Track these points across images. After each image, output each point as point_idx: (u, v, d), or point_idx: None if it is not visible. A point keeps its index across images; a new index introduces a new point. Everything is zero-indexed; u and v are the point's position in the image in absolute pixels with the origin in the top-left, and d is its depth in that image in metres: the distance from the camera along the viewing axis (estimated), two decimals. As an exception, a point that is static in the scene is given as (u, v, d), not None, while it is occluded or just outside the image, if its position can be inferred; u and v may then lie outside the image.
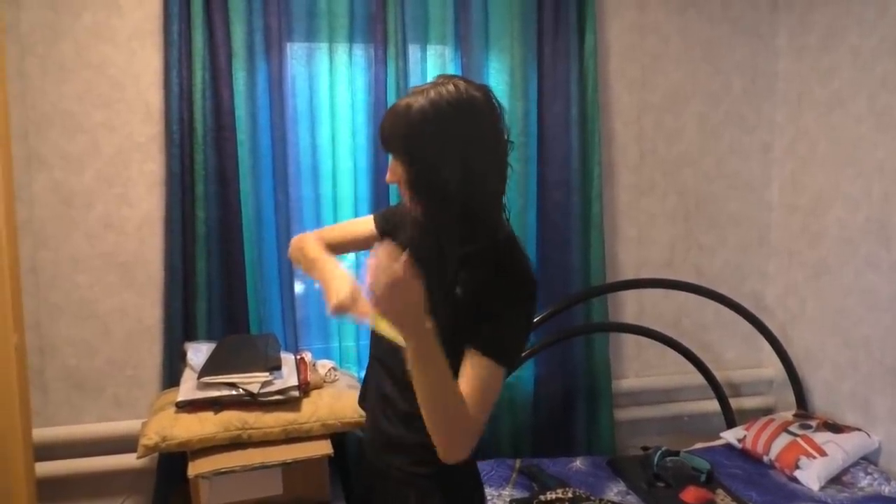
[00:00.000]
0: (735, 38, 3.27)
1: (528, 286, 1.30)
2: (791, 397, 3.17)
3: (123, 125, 2.68)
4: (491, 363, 1.22)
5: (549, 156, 2.98)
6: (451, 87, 1.26)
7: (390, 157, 1.33)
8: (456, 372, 1.24)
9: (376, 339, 1.44)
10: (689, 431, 3.29)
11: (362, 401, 1.59)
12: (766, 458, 2.79)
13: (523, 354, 2.88)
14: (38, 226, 2.63)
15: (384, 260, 1.08)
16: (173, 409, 2.30)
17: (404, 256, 1.07)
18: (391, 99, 2.78)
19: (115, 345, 2.74)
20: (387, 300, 1.08)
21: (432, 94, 1.25)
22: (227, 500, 2.21)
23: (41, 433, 2.58)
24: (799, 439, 2.75)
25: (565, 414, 3.11)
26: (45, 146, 2.62)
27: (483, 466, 2.55)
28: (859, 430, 2.81)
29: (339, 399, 2.40)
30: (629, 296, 3.26)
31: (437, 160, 1.24)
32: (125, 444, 2.64)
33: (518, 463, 2.74)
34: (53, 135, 2.62)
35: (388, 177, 1.35)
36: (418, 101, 1.25)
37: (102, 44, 2.63)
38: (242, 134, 2.66)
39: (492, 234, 1.32)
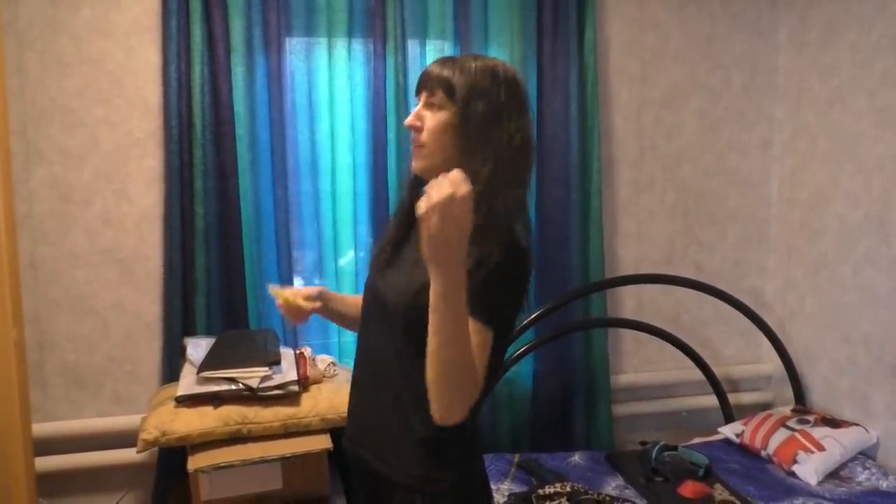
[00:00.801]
0: (735, 34, 3.27)
1: (515, 251, 1.25)
2: (789, 393, 3.17)
3: (122, 121, 2.68)
4: (478, 325, 1.18)
5: (549, 152, 2.98)
6: (502, 61, 1.34)
7: (420, 101, 1.33)
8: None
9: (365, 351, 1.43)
10: (687, 426, 3.30)
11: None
12: (763, 453, 2.80)
13: (523, 350, 2.89)
14: (37, 221, 2.64)
15: (454, 176, 1.06)
16: (173, 403, 2.30)
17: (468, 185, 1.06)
18: (390, 94, 2.78)
19: (114, 340, 2.74)
20: (442, 217, 1.03)
21: (491, 61, 1.32)
22: (226, 495, 2.22)
23: (41, 428, 2.58)
24: (797, 434, 2.75)
25: (564, 409, 3.11)
26: (44, 142, 2.62)
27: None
28: (857, 425, 2.82)
29: (338, 394, 2.40)
30: (628, 291, 3.26)
31: (492, 117, 1.27)
32: (125, 438, 2.65)
33: (517, 457, 2.74)
34: (52, 130, 2.62)
35: (409, 119, 1.34)
36: (484, 61, 1.31)
37: (101, 39, 2.63)
38: (241, 129, 2.66)
39: (500, 217, 1.27)
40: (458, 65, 1.31)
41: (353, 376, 1.48)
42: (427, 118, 1.32)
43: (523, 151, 1.31)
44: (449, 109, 1.30)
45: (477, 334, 1.18)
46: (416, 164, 1.35)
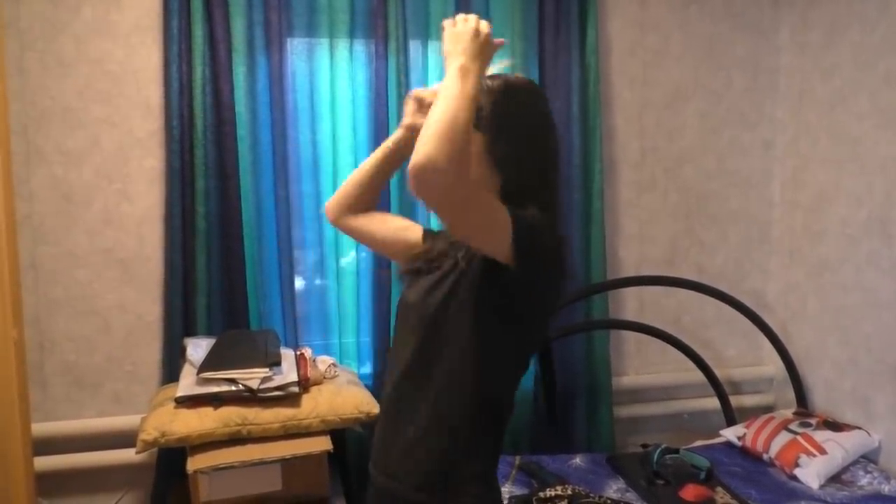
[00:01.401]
0: (737, 34, 3.26)
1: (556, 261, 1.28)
2: (791, 395, 3.16)
3: (123, 121, 2.67)
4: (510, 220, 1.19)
5: (550, 152, 2.97)
6: (514, 75, 1.34)
7: None
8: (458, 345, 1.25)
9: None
10: (688, 429, 3.29)
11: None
12: (765, 456, 2.79)
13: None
14: (37, 221, 2.63)
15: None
16: (172, 404, 2.30)
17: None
18: (392, 95, 2.77)
19: (114, 340, 2.74)
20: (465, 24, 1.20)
21: (499, 78, 1.31)
22: (226, 496, 2.21)
23: (40, 428, 2.58)
24: (799, 437, 2.74)
25: (565, 411, 3.11)
26: (45, 142, 2.61)
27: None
28: (859, 428, 2.81)
29: (338, 395, 2.40)
30: (630, 293, 3.25)
31: (519, 131, 1.28)
32: (124, 439, 2.64)
33: (518, 460, 2.74)
34: (53, 130, 2.62)
35: None
36: (492, 81, 1.30)
37: (102, 39, 2.63)
38: (243, 129, 2.66)
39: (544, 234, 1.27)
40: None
41: (381, 399, 1.46)
42: None
43: (554, 160, 1.34)
44: (476, 137, 1.26)
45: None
46: None
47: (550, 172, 1.33)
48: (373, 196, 1.58)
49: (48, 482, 2.65)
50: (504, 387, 1.36)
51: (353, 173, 1.57)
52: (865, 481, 2.62)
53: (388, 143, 1.51)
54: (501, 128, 1.27)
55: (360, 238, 1.63)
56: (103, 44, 2.63)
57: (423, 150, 1.06)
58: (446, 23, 1.23)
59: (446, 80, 1.15)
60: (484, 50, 1.20)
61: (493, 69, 1.31)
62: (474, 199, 1.14)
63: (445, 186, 1.08)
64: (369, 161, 1.55)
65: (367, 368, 2.93)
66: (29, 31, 2.56)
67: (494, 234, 1.17)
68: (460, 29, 1.20)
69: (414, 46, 2.84)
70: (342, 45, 2.79)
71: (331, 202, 1.59)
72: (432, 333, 1.29)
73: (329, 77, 2.78)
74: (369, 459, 1.44)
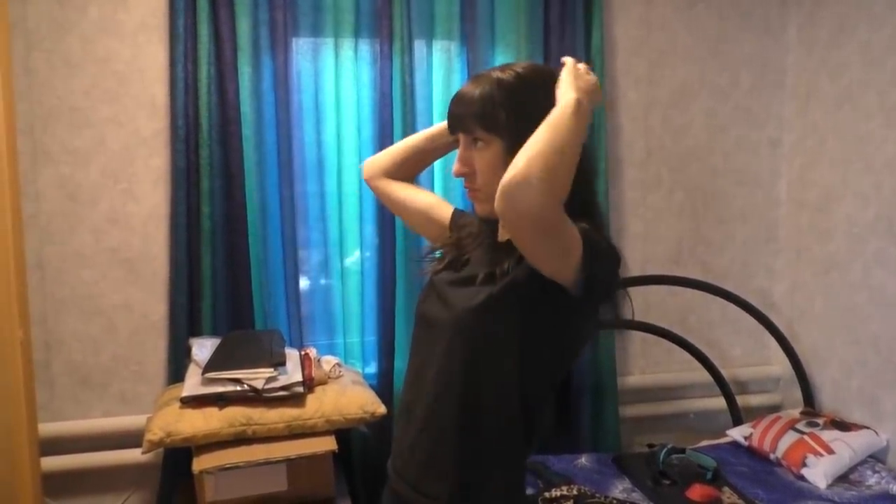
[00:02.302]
0: (743, 32, 3.25)
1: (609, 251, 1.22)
2: (798, 395, 3.15)
3: (129, 120, 2.68)
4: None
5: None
6: (522, 63, 1.27)
7: (460, 142, 1.27)
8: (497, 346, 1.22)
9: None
10: (695, 429, 3.28)
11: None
12: (772, 456, 2.78)
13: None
14: (43, 221, 2.64)
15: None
16: (178, 404, 2.30)
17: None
18: (396, 94, 2.77)
19: (120, 340, 2.75)
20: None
21: (508, 70, 1.24)
22: (231, 496, 2.21)
23: (47, 428, 2.59)
24: (806, 437, 2.73)
25: (571, 410, 3.10)
26: (52, 141, 2.62)
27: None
28: (867, 428, 2.79)
29: (343, 395, 2.40)
30: (635, 292, 3.19)
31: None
32: (130, 439, 2.65)
33: (523, 460, 2.73)
34: (59, 130, 2.62)
35: (457, 168, 1.27)
36: (503, 74, 1.23)
37: (108, 38, 2.63)
38: (248, 129, 2.66)
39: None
40: (485, 90, 1.22)
41: (402, 405, 1.40)
42: (475, 160, 1.25)
43: (587, 153, 1.25)
44: (495, 142, 1.22)
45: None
46: (481, 209, 1.30)
47: (587, 168, 1.23)
48: (412, 169, 1.57)
49: (55, 482, 2.66)
50: (541, 399, 1.30)
51: (401, 140, 1.57)
52: (873, 481, 2.61)
53: (444, 124, 1.42)
54: (528, 124, 1.13)
55: (390, 204, 1.61)
56: (110, 43, 2.64)
57: (522, 167, 1.03)
58: (568, 59, 1.21)
59: (558, 110, 1.11)
60: (595, 99, 1.18)
61: None
62: (560, 228, 1.09)
63: (536, 206, 1.03)
64: (420, 134, 1.55)
65: (372, 368, 2.93)
66: (35, 30, 2.56)
67: (567, 262, 1.13)
68: (583, 72, 1.18)
69: (419, 46, 2.83)
70: (347, 44, 2.79)
71: (370, 159, 1.57)
72: (469, 346, 1.23)
73: (334, 77, 2.78)
74: (384, 460, 1.41)
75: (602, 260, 1.18)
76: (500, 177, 1.11)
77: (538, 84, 1.22)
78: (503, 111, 1.21)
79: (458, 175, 1.28)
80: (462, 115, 1.25)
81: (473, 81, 1.26)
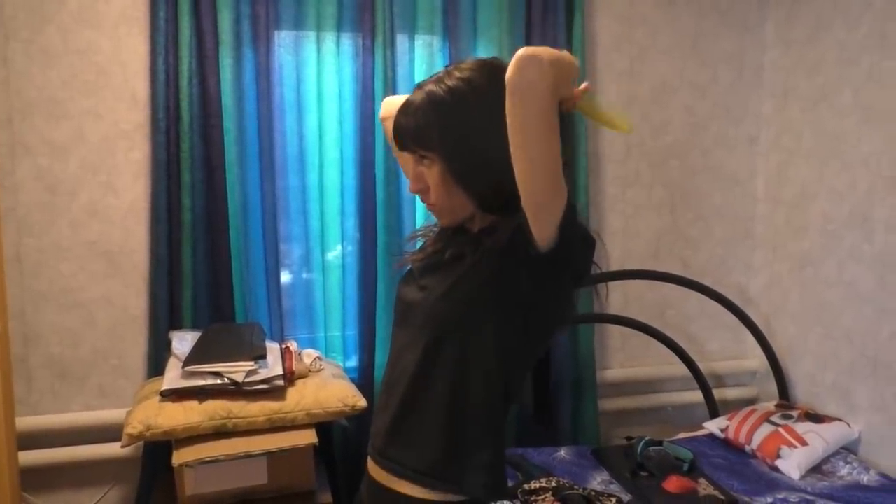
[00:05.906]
0: (722, 30, 3.28)
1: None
2: (774, 388, 3.20)
3: (109, 112, 2.66)
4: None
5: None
6: (465, 64, 1.22)
7: (412, 164, 1.25)
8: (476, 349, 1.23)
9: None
10: (672, 422, 3.32)
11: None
12: (747, 448, 2.82)
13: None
14: (22, 213, 2.62)
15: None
16: (158, 397, 2.29)
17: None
18: (378, 89, 2.77)
19: (99, 333, 2.73)
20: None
21: (448, 78, 1.19)
22: (211, 489, 2.21)
23: (25, 422, 2.57)
24: (780, 429, 2.78)
25: (551, 404, 3.12)
26: (30, 133, 2.59)
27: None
28: (840, 420, 2.85)
29: (323, 388, 2.40)
30: (614, 287, 3.27)
31: (482, 135, 1.16)
32: (110, 433, 2.64)
33: (503, 452, 2.75)
34: (38, 121, 2.60)
35: (411, 186, 1.26)
36: (437, 86, 1.19)
37: (88, 29, 2.61)
38: (229, 122, 2.65)
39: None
40: (419, 107, 1.20)
41: (383, 391, 1.40)
42: (426, 175, 1.24)
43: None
44: (437, 160, 1.20)
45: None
46: (442, 222, 1.31)
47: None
48: None
49: (33, 477, 2.64)
50: (518, 378, 1.32)
51: None
52: (845, 472, 2.66)
53: None
54: (461, 145, 1.17)
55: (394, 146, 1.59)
56: (89, 34, 2.61)
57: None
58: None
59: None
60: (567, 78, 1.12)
61: None
62: (556, 130, 1.08)
63: (546, 77, 1.04)
64: None
65: (353, 362, 2.94)
66: (13, 20, 2.53)
67: (555, 204, 1.11)
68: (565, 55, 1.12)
69: (401, 41, 2.83)
70: (329, 38, 2.78)
71: (388, 99, 1.50)
72: (445, 328, 1.25)
73: (316, 71, 2.78)
74: (360, 452, 1.42)
75: (578, 227, 1.19)
76: (452, 193, 1.14)
77: (480, 93, 1.19)
78: (435, 131, 1.19)
79: (414, 192, 1.28)
80: (400, 132, 1.24)
81: (416, 91, 1.24)
